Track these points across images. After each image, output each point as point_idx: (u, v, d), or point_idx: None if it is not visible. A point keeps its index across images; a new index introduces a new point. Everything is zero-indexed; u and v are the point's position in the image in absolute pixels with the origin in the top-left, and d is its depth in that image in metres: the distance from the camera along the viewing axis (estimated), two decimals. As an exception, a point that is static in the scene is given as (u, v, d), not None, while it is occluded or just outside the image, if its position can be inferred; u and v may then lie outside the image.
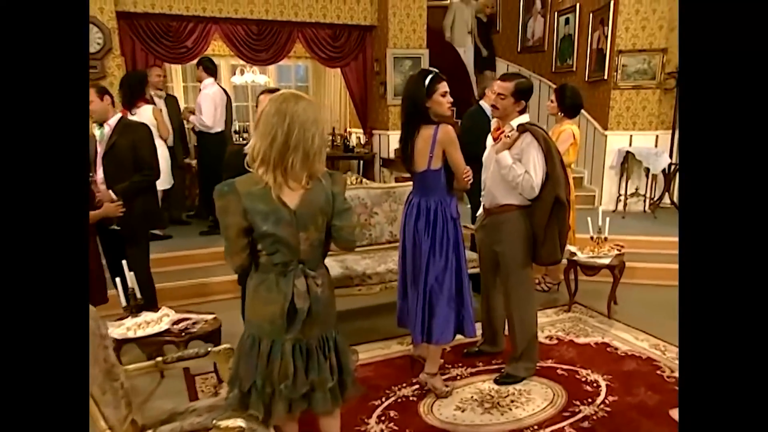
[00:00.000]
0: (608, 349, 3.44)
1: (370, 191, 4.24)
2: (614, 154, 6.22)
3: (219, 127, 5.20)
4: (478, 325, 3.23)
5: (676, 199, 6.24)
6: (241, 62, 7.11)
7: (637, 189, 6.18)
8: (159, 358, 2.12)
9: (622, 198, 6.19)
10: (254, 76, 7.69)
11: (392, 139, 6.60)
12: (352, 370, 2.13)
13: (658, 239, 5.13)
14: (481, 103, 4.49)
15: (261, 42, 6.14)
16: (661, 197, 6.20)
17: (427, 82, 2.66)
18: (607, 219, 4.14)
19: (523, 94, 2.82)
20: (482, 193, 3.07)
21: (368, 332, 3.64)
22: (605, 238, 4.16)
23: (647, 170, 6.05)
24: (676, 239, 4.68)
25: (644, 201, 6.20)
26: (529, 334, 3.02)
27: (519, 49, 8.49)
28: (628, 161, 6.09)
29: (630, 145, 6.21)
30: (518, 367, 3.04)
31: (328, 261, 3.86)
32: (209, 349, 2.15)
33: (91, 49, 5.02)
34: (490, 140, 3.06)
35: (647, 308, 4.18)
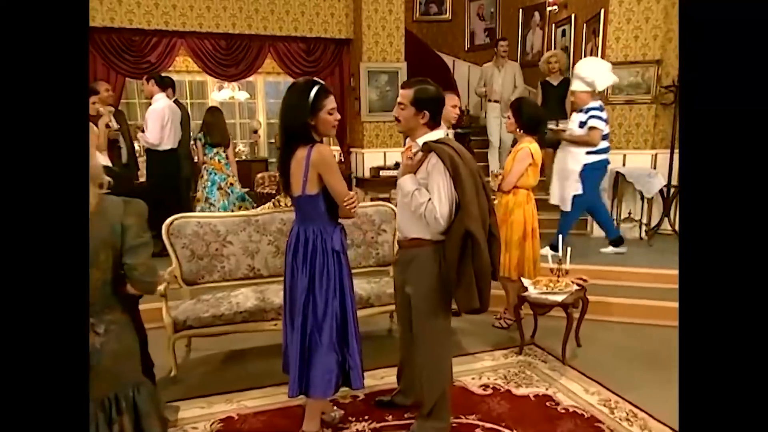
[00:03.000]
0: (548, 403, 2.94)
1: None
2: (605, 176, 5.67)
3: (168, 145, 4.94)
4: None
5: (676, 225, 5.64)
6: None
7: (630, 213, 5.61)
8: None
9: (615, 223, 5.62)
10: (232, 92, 7.49)
11: (368, 158, 6.24)
12: None
13: (645, 271, 4.57)
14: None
15: (230, 57, 5.92)
16: (659, 223, 5.61)
17: (311, 96, 2.30)
18: (569, 249, 3.65)
19: (426, 103, 2.40)
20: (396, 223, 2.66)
21: (279, 374, 3.23)
22: (566, 271, 3.66)
23: (642, 193, 5.48)
24: (665, 271, 4.13)
25: (640, 227, 5.62)
26: (438, 390, 2.55)
27: (519, 63, 8.05)
28: (619, 183, 5.54)
29: (624, 165, 5.66)
30: (425, 427, 2.58)
31: (244, 290, 3.61)
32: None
33: (40, 64, 4.86)
34: None
35: (616, 352, 3.64)
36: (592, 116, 4.54)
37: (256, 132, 7.84)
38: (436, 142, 2.41)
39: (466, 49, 8.86)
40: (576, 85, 4.62)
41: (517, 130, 3.83)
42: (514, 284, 3.79)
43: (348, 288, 2.47)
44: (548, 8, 7.18)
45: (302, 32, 6.01)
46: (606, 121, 4.59)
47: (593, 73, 4.50)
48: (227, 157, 5.27)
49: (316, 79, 2.39)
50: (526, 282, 3.60)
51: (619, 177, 5.49)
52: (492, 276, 2.44)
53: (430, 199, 2.34)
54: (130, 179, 5.12)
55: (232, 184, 5.28)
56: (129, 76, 5.71)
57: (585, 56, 6.20)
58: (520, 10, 8.01)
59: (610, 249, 4.99)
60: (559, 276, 3.65)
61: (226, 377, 3.30)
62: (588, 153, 4.62)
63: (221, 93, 7.52)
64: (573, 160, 4.66)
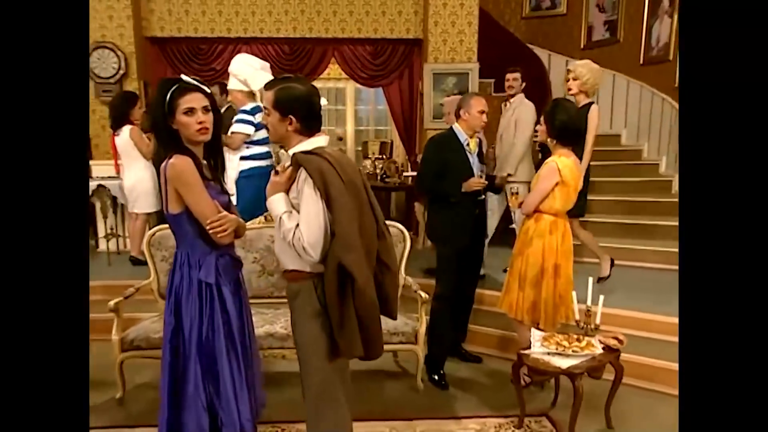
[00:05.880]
0: None
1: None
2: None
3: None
4: None
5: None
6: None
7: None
8: None
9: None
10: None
11: (432, 169, 5.63)
12: None
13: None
14: (455, 126, 3.43)
15: (292, 62, 5.76)
16: None
17: (168, 95, 1.93)
18: (601, 297, 2.76)
19: (290, 106, 1.89)
20: None
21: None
22: (597, 325, 2.77)
23: None
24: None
25: None
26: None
27: (642, 61, 6.79)
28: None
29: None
30: None
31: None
32: None
33: (106, 74, 5.16)
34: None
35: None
36: (237, 119, 3.90)
37: (341, 139, 7.68)
38: (307, 152, 1.87)
39: (582, 46, 7.73)
40: (232, 84, 4.00)
41: (549, 139, 3.03)
42: (524, 331, 2.99)
43: (223, 327, 2.02)
44: (674, -10, 5.90)
45: (366, 33, 5.63)
46: (258, 125, 3.81)
47: (245, 71, 3.86)
48: None
49: (184, 77, 1.99)
50: (536, 335, 2.79)
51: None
52: (390, 316, 2.02)
53: (298, 225, 1.86)
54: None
55: None
56: (197, 83, 5.83)
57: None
58: (647, -3, 6.75)
59: None
60: (587, 330, 2.79)
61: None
62: (242, 159, 3.87)
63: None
64: (230, 166, 3.70)
